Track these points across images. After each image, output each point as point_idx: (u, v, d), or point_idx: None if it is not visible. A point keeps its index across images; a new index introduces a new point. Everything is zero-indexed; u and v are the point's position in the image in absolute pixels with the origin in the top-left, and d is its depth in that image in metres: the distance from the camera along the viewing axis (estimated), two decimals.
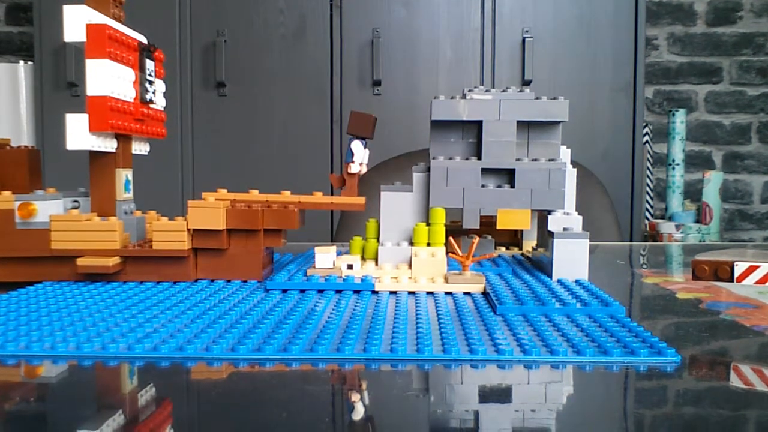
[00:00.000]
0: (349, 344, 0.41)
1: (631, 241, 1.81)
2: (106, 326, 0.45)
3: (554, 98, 0.65)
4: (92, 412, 0.34)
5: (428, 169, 0.65)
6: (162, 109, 0.68)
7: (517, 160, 0.65)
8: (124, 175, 0.63)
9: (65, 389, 0.38)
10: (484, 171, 0.65)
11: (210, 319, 0.47)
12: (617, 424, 0.34)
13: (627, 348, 0.41)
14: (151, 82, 0.65)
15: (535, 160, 0.65)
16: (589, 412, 0.35)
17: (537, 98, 0.65)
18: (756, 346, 0.45)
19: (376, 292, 0.57)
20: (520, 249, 0.79)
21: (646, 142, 2.05)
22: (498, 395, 0.36)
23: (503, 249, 0.79)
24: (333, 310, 0.50)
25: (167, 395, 0.36)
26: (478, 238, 0.61)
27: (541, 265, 0.67)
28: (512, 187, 0.64)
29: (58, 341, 0.41)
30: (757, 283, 0.58)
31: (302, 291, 0.58)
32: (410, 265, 0.61)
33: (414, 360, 0.40)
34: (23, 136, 1.91)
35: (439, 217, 0.62)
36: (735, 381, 0.39)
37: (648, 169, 2.10)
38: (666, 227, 1.98)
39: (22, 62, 1.97)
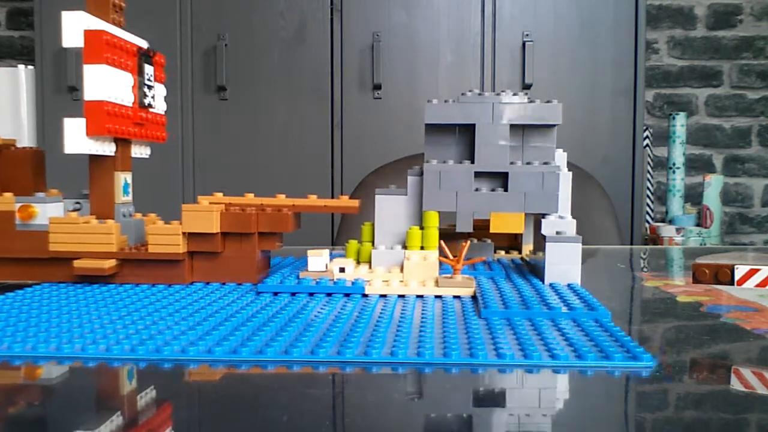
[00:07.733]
0: (349, 347, 0.41)
1: (631, 244, 1.81)
2: (112, 329, 0.45)
3: (548, 101, 0.65)
4: (96, 412, 0.35)
5: (422, 173, 0.65)
6: (162, 112, 0.69)
7: (511, 163, 0.65)
8: (123, 178, 0.64)
9: (70, 390, 0.38)
10: (478, 174, 0.65)
11: (211, 323, 0.47)
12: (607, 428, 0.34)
13: (602, 352, 0.40)
14: (150, 87, 0.66)
15: (529, 163, 0.65)
16: (576, 416, 0.35)
17: (531, 101, 0.65)
18: (756, 350, 0.45)
19: (366, 296, 0.58)
20: (520, 253, 0.79)
21: (647, 145, 2.05)
22: (487, 399, 0.36)
23: (503, 253, 0.79)
24: (326, 312, 0.51)
25: (169, 397, 0.37)
26: (468, 242, 0.61)
27: (536, 269, 0.67)
28: (506, 190, 0.64)
29: (64, 343, 0.42)
30: (757, 286, 0.58)
31: (293, 294, 0.58)
32: (402, 269, 0.61)
33: (388, 363, 0.40)
34: (24, 140, 1.92)
35: (432, 220, 0.62)
36: (736, 384, 0.39)
37: (648, 172, 2.10)
38: (666, 230, 1.98)
39: (22, 66, 1.98)
